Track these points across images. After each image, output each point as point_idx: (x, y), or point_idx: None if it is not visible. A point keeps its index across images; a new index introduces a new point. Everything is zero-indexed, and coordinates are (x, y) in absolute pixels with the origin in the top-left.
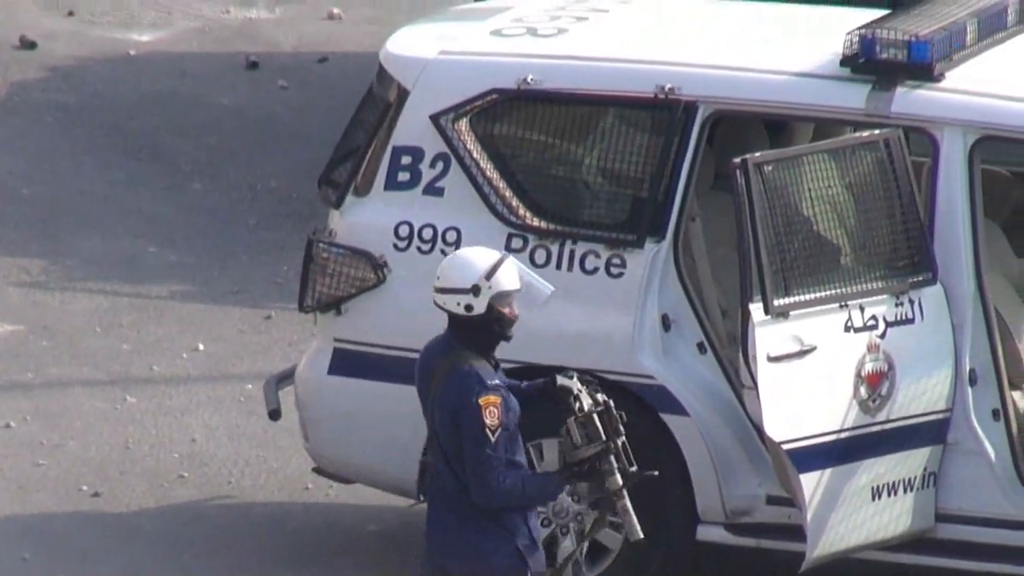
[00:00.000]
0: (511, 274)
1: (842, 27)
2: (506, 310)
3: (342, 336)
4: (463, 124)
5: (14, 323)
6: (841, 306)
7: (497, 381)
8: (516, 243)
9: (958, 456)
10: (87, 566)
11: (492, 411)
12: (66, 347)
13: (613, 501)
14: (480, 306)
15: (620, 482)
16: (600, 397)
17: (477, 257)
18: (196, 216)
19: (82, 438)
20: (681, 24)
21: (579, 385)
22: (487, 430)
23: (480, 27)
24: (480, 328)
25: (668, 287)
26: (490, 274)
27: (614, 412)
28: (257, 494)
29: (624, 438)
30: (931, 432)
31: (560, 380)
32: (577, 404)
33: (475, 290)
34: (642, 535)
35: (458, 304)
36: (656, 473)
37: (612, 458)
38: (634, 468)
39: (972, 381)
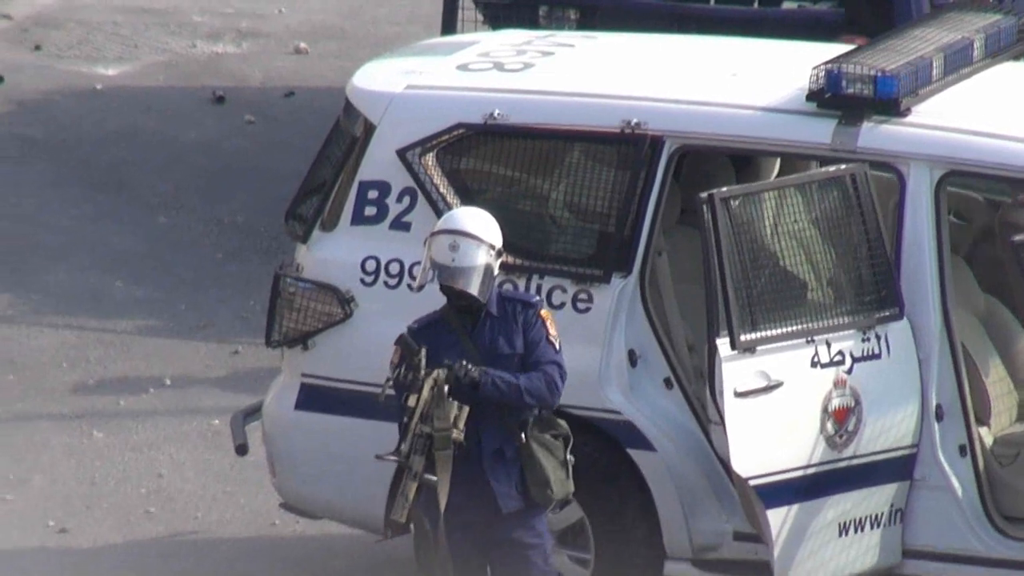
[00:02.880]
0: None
1: (808, 61)
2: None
3: (309, 371)
4: (430, 159)
5: None
6: (808, 341)
7: (403, 331)
8: None
9: (925, 492)
10: None
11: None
12: (32, 382)
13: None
14: None
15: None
16: (440, 374)
17: None
18: (162, 250)
19: (48, 473)
20: (647, 59)
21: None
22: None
23: (446, 62)
24: None
25: (635, 322)
26: None
27: (436, 396)
28: (224, 529)
29: (426, 427)
30: (898, 468)
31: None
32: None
33: None
34: (399, 519)
35: None
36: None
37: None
38: (402, 453)
39: (939, 417)
